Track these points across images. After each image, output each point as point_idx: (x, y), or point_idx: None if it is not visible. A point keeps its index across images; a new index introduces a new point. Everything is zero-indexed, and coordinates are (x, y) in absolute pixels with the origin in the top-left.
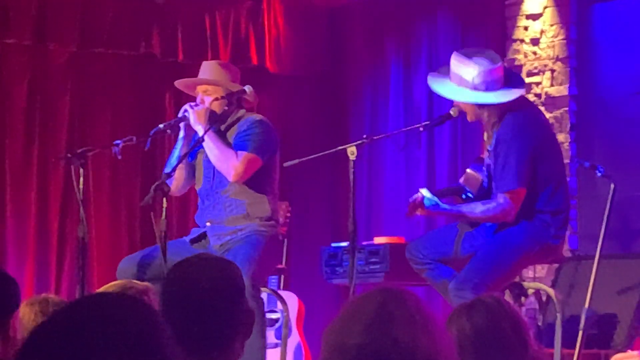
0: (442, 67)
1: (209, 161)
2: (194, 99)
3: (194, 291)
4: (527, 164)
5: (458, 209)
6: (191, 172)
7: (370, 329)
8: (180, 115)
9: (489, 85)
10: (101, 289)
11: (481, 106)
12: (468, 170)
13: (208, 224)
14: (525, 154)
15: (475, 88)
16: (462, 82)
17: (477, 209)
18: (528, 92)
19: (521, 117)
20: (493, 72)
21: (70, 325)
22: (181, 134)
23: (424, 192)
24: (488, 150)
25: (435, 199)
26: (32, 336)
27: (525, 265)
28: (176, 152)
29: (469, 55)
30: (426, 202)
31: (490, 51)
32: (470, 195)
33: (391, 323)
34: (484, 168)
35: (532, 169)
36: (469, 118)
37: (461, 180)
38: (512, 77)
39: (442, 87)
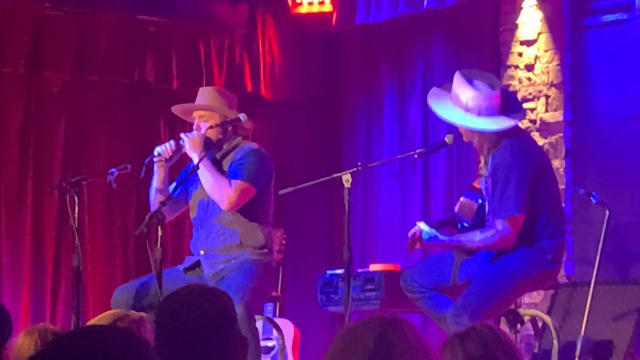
0: (447, 83)
1: (203, 189)
2: (188, 126)
3: (186, 322)
4: (526, 190)
5: (457, 239)
6: (185, 198)
7: None
8: (171, 143)
9: (481, 111)
10: (96, 319)
11: (472, 130)
12: (462, 199)
13: (202, 252)
14: (524, 180)
15: (467, 111)
16: (457, 103)
17: (476, 237)
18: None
19: (518, 143)
20: (488, 99)
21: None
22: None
23: (422, 225)
24: (482, 176)
25: (434, 231)
26: None
27: (523, 292)
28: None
29: (470, 78)
30: (424, 236)
31: (493, 77)
32: (465, 224)
33: (391, 354)
34: (483, 192)
35: (531, 195)
36: (464, 138)
37: (456, 209)
38: (511, 105)
39: (437, 103)
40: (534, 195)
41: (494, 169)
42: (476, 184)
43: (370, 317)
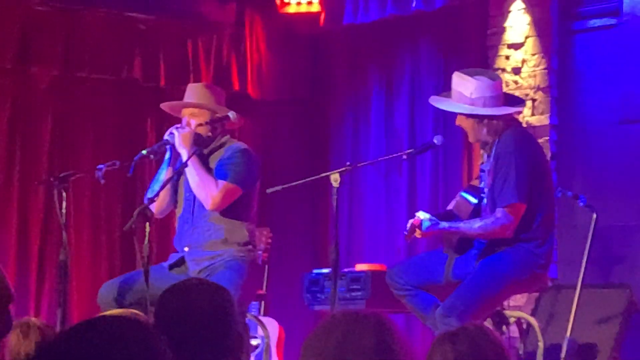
0: (444, 92)
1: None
2: (177, 121)
3: (185, 316)
4: (526, 179)
5: (456, 226)
6: (174, 194)
7: None
8: (165, 137)
9: (486, 101)
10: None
11: (480, 122)
12: (459, 196)
13: (186, 249)
14: (524, 169)
15: (472, 103)
16: (460, 99)
17: (475, 224)
18: None
19: (520, 134)
20: (492, 88)
21: (74, 347)
22: (167, 155)
23: (421, 214)
24: (483, 170)
25: (434, 218)
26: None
27: (511, 294)
28: (160, 176)
29: (470, 74)
30: (425, 224)
31: (490, 71)
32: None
33: (392, 354)
34: (483, 188)
35: (530, 187)
36: (470, 139)
37: (452, 205)
38: (512, 98)
39: (440, 103)
40: (531, 193)
41: (496, 158)
42: (475, 182)
43: (360, 315)
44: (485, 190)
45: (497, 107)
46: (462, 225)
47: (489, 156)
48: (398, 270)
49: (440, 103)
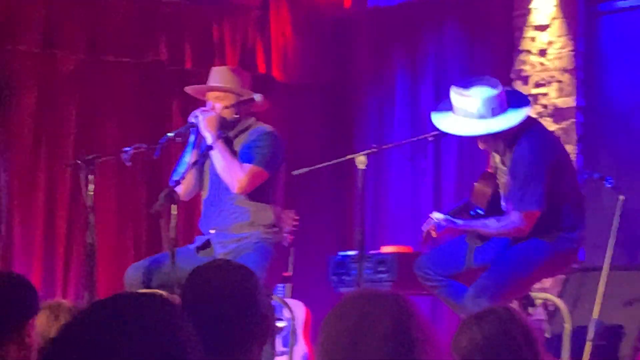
0: (441, 102)
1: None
2: (202, 104)
3: (212, 296)
4: (544, 187)
5: (473, 224)
6: (199, 177)
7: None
8: (190, 120)
9: (495, 110)
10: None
11: (495, 134)
12: (475, 185)
13: (212, 231)
14: (542, 177)
15: (482, 117)
16: (467, 115)
17: (492, 224)
18: (535, 103)
19: (535, 138)
20: (497, 97)
21: (97, 323)
22: (191, 138)
23: (435, 216)
24: (495, 168)
25: (449, 217)
26: (62, 335)
27: (543, 277)
28: (185, 158)
29: (467, 86)
30: (440, 224)
31: (486, 77)
32: (480, 212)
33: (410, 339)
34: (500, 185)
35: (550, 190)
36: (481, 146)
37: (470, 197)
38: (513, 96)
39: (447, 124)
40: (555, 186)
41: (513, 164)
42: (490, 169)
43: (377, 295)
44: (502, 187)
45: (506, 112)
46: (479, 224)
47: (502, 160)
48: (425, 261)
49: (448, 125)
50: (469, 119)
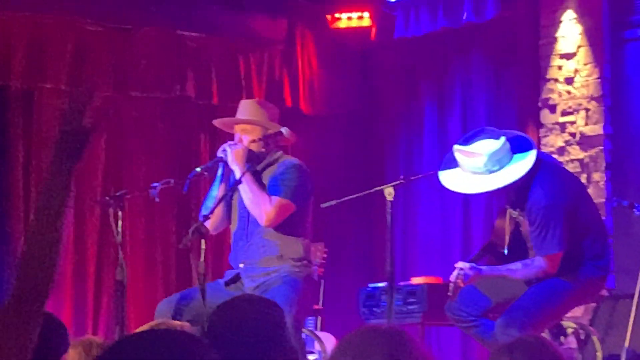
0: (444, 158)
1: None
2: (230, 138)
3: (238, 331)
4: (564, 229)
5: (499, 271)
6: (228, 211)
7: None
8: (218, 154)
9: (502, 161)
10: (139, 329)
11: (507, 186)
12: (495, 223)
13: (241, 265)
14: (561, 219)
15: (492, 171)
16: (477, 171)
17: (518, 270)
18: (563, 131)
19: (547, 181)
20: (503, 149)
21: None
22: (219, 172)
23: (461, 264)
24: (511, 209)
25: (474, 265)
26: None
27: (573, 306)
28: (213, 192)
29: (468, 142)
30: (467, 273)
31: (485, 128)
32: (504, 252)
33: None
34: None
35: (570, 227)
36: (495, 197)
37: (491, 235)
38: (516, 140)
39: (460, 182)
40: (574, 222)
41: (529, 210)
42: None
43: (374, 330)
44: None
45: (514, 160)
46: (503, 269)
47: (517, 201)
48: (457, 302)
49: (461, 185)
50: (478, 175)
